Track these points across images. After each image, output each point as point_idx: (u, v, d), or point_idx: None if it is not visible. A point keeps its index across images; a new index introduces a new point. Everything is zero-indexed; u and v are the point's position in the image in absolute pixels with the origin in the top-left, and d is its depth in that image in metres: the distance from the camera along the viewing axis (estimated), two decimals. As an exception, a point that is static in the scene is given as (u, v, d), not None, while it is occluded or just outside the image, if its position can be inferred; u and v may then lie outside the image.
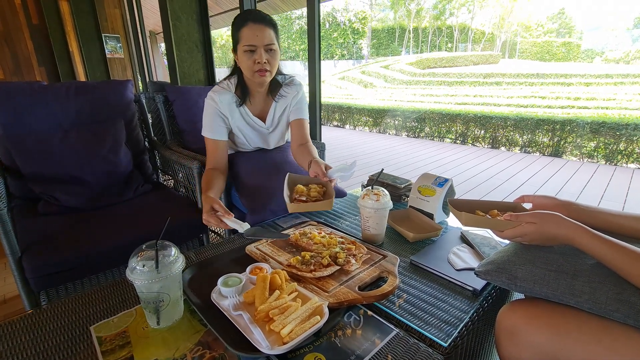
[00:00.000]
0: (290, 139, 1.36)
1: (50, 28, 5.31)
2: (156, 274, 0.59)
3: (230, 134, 1.25)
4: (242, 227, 0.87)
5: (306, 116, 1.31)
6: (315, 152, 1.23)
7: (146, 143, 1.66)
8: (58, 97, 1.38)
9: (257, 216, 1.10)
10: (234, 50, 1.12)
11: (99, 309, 0.69)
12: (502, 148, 6.11)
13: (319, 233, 0.93)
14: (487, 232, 1.01)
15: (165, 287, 0.61)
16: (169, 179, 1.82)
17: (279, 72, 1.24)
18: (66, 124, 1.37)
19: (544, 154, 5.64)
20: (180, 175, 1.55)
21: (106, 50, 5.81)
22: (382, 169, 1.01)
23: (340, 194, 1.26)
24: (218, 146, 1.18)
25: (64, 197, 1.24)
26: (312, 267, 0.76)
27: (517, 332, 0.63)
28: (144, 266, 0.60)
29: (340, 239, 0.89)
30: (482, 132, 6.33)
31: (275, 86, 1.24)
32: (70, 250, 1.01)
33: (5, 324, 0.64)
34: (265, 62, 1.07)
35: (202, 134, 1.18)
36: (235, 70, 1.19)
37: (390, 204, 0.94)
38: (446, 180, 1.10)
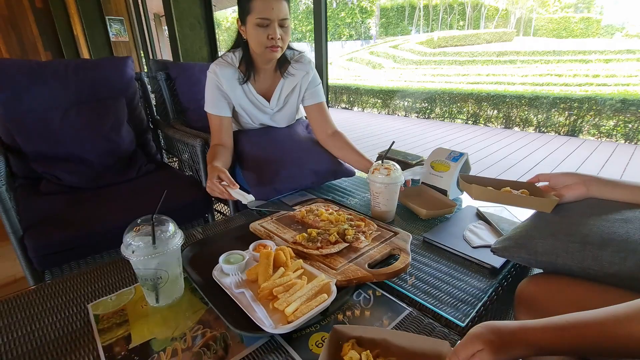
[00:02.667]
0: (313, 128, 1.25)
1: (55, 11, 5.24)
2: (153, 249, 0.56)
3: (234, 112, 1.19)
4: (246, 198, 0.84)
5: (324, 98, 1.23)
6: (354, 145, 1.18)
7: (149, 122, 1.62)
8: (57, 75, 1.34)
9: (262, 194, 1.06)
10: (242, 21, 1.02)
11: (97, 287, 0.66)
12: (516, 128, 5.92)
13: (327, 210, 0.88)
14: (504, 209, 0.95)
15: (163, 264, 0.58)
16: (174, 160, 1.79)
17: (288, 47, 1.14)
18: (66, 103, 1.33)
19: (559, 134, 5.45)
20: (185, 155, 1.51)
21: (110, 34, 5.73)
22: (393, 142, 0.95)
23: (348, 172, 1.20)
24: (222, 123, 1.12)
25: (66, 176, 1.21)
26: (318, 244, 0.72)
27: (538, 307, 0.59)
28: (140, 242, 0.56)
29: (348, 216, 0.85)
30: (495, 112, 6.13)
31: (284, 62, 1.15)
32: (73, 229, 0.99)
33: (3, 301, 0.62)
34: (279, 38, 0.99)
35: (204, 109, 1.13)
36: (240, 43, 1.09)
37: (402, 179, 0.88)
38: (461, 154, 1.04)
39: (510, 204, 0.76)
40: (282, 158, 1.13)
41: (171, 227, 0.60)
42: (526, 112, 5.78)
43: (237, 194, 0.85)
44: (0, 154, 1.15)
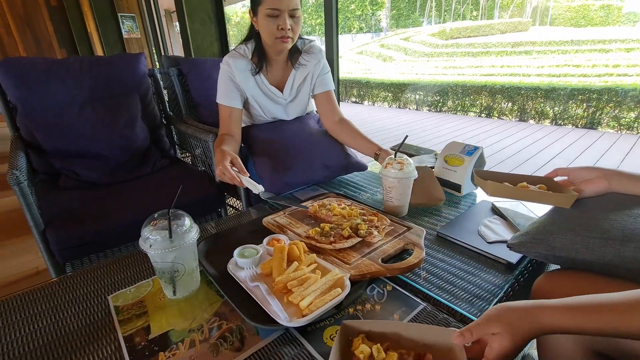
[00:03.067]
0: (321, 115, 1.26)
1: (69, 9, 5.33)
2: (169, 243, 0.57)
3: (247, 104, 1.20)
4: (257, 188, 0.84)
5: (333, 86, 1.24)
6: (362, 132, 1.19)
7: (162, 118, 1.64)
8: (72, 72, 1.36)
9: (274, 188, 1.06)
10: (253, 12, 1.04)
11: (116, 279, 0.68)
12: (531, 121, 5.77)
13: (339, 204, 0.88)
14: (520, 204, 0.93)
15: (180, 257, 0.59)
16: (187, 155, 1.81)
17: (299, 37, 1.15)
18: (81, 99, 1.36)
19: (577, 126, 5.29)
20: (198, 150, 1.53)
21: (123, 30, 5.80)
22: (406, 136, 0.94)
23: (360, 167, 1.20)
24: (232, 114, 1.12)
25: (83, 171, 1.24)
26: (331, 239, 0.72)
27: None
28: (157, 236, 0.57)
29: (361, 211, 0.84)
30: (510, 104, 5.99)
31: (295, 53, 1.16)
32: (91, 224, 1.02)
33: (28, 292, 0.65)
34: (289, 29, 1.00)
35: (216, 100, 1.13)
36: (253, 35, 1.11)
37: (415, 173, 0.87)
38: (476, 148, 1.02)
39: (528, 199, 0.74)
40: (294, 152, 1.14)
41: (187, 221, 0.61)
42: (542, 105, 5.63)
43: (248, 182, 0.85)
44: (21, 150, 1.18)
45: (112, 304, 0.61)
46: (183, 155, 1.80)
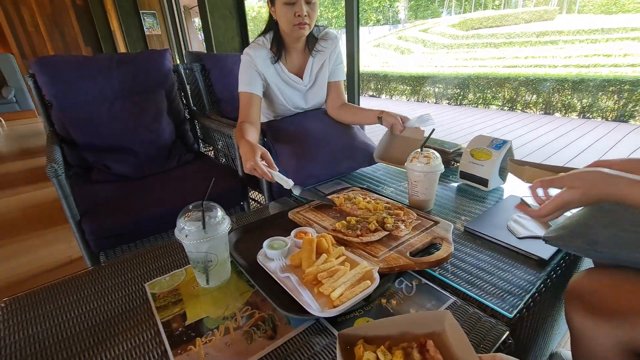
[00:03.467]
0: (327, 101, 1.32)
1: (93, 7, 5.48)
2: (204, 234, 0.59)
3: (268, 94, 1.21)
4: (288, 183, 0.85)
5: (344, 77, 1.31)
6: (362, 108, 1.24)
7: (186, 113, 1.68)
8: (101, 69, 1.41)
9: (297, 181, 1.07)
10: (271, 2, 1.07)
11: (151, 268, 0.71)
12: (557, 114, 5.55)
13: (364, 198, 0.88)
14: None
15: (213, 248, 0.61)
16: (210, 150, 1.85)
17: (315, 25, 1.17)
18: (111, 95, 1.41)
19: (606, 119, 5.05)
20: (220, 144, 1.56)
21: (144, 27, 5.93)
22: (433, 130, 0.93)
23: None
24: (252, 99, 1.12)
25: (114, 165, 1.29)
26: (358, 232, 0.73)
27: (597, 300, 0.56)
28: (192, 226, 0.59)
29: (386, 205, 0.84)
30: (534, 96, 5.77)
31: (311, 40, 1.19)
32: (123, 215, 1.06)
33: (71, 278, 0.68)
34: (305, 15, 1.03)
35: (238, 90, 1.14)
36: (271, 26, 1.14)
37: (442, 167, 0.86)
38: (504, 142, 0.99)
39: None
40: (317, 143, 1.15)
41: (219, 213, 0.63)
42: (569, 97, 5.40)
43: (279, 177, 0.85)
44: (56, 144, 1.24)
45: (149, 291, 0.64)
46: (206, 150, 1.84)
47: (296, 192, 0.88)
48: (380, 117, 1.15)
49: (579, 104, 5.32)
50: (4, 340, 0.54)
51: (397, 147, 1.12)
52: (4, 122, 4.99)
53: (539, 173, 0.67)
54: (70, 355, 0.51)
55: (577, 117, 5.34)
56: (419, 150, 0.89)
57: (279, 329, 0.54)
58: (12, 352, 0.52)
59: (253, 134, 1.04)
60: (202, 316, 0.57)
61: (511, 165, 0.72)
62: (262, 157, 0.87)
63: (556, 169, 0.73)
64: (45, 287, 0.66)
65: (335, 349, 0.45)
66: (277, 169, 0.88)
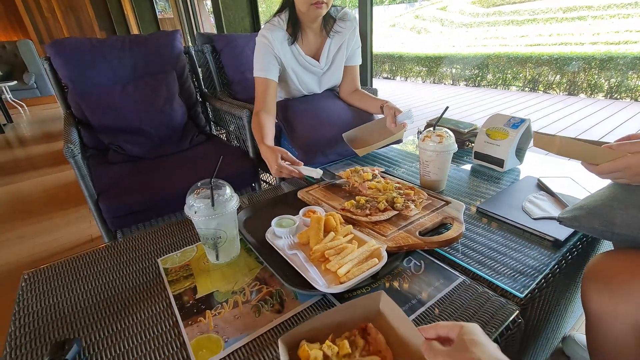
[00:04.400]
0: (341, 85, 1.29)
1: (106, -10, 5.49)
2: (212, 210, 0.59)
3: (283, 77, 1.19)
4: (318, 172, 0.86)
5: (360, 61, 1.27)
6: (372, 95, 1.23)
7: (198, 95, 1.68)
8: (114, 51, 1.42)
9: (309, 161, 1.07)
10: None
11: (163, 245, 0.73)
12: (582, 95, 5.28)
13: (372, 171, 0.87)
14: (572, 181, 0.86)
15: (222, 224, 0.61)
16: (222, 132, 1.86)
17: (332, 5, 1.12)
18: (123, 77, 1.42)
19: (636, 100, 4.77)
20: (232, 126, 1.56)
21: (157, 11, 5.91)
22: (447, 107, 0.89)
23: (396, 140, 1.17)
24: (269, 86, 1.10)
25: (129, 146, 1.32)
26: (367, 212, 0.72)
27: (616, 283, 0.54)
28: (201, 203, 0.60)
29: (397, 185, 0.83)
30: (558, 77, 5.50)
31: (329, 21, 1.15)
32: (138, 195, 1.09)
33: (89, 253, 0.71)
34: None
35: (253, 74, 1.13)
36: (286, 4, 1.09)
37: (455, 147, 0.84)
38: (522, 120, 0.95)
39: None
40: (329, 122, 1.14)
41: (228, 190, 0.63)
42: (596, 76, 5.11)
43: (306, 170, 0.87)
44: (73, 126, 1.27)
45: (162, 266, 0.66)
46: (218, 132, 1.85)
47: (325, 178, 0.90)
48: (382, 106, 1.12)
49: (606, 83, 5.03)
50: (27, 308, 0.57)
51: (370, 134, 1.10)
52: (26, 108, 5.15)
53: (573, 144, 0.60)
54: (88, 323, 0.54)
55: (603, 97, 5.06)
56: (431, 129, 0.86)
57: (286, 304, 0.55)
58: (35, 319, 0.55)
59: (270, 131, 1.02)
60: (212, 290, 0.59)
61: (538, 136, 0.66)
62: (284, 158, 0.87)
63: (590, 144, 0.66)
64: (65, 261, 0.69)
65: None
66: (303, 164, 0.88)
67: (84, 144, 1.39)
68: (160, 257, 0.69)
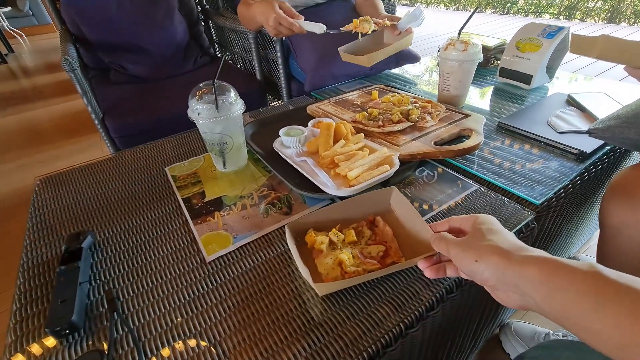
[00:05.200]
0: None
1: None
2: (216, 113, 0.56)
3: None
4: (320, 27, 0.76)
5: None
6: (381, 7, 1.08)
7: (200, 13, 1.55)
8: (105, -44, 1.27)
9: (318, 80, 1.00)
10: None
11: (171, 155, 0.72)
12: (623, 23, 4.74)
13: (388, 90, 0.81)
14: (606, 96, 0.79)
15: (227, 129, 0.59)
16: (227, 54, 1.75)
17: None
18: (118, -12, 1.30)
19: (684, 30, 4.27)
20: (237, 47, 1.46)
21: None
22: (476, 8, 0.79)
23: (413, 58, 1.08)
24: None
25: (130, 66, 1.26)
26: (380, 123, 0.68)
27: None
28: (204, 106, 0.57)
29: (412, 99, 0.77)
30: (599, 2, 4.89)
31: None
32: (143, 114, 1.06)
33: (98, 162, 0.71)
34: None
35: None
36: None
37: (481, 56, 0.76)
38: (560, 28, 0.85)
39: None
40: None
41: (232, 94, 0.59)
42: (644, 1, 4.53)
43: (308, 24, 0.76)
44: (70, 42, 1.20)
45: (170, 174, 0.65)
46: (223, 54, 1.74)
47: (324, 31, 0.77)
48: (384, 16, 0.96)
49: (654, 10, 4.47)
50: (42, 208, 0.58)
51: (372, 45, 0.95)
52: (25, 38, 4.94)
53: (618, 43, 0.52)
54: (101, 221, 0.55)
55: (647, 27, 4.54)
56: (455, 37, 0.77)
57: (294, 207, 0.54)
58: (50, 217, 0.56)
59: None
60: (220, 195, 0.58)
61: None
62: (281, 8, 0.76)
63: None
64: (75, 169, 0.69)
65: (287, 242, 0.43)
66: (303, 18, 0.77)
67: (85, 64, 1.32)
68: (168, 166, 0.68)
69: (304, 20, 0.77)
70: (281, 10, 0.75)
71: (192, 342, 0.37)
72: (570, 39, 0.66)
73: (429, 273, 0.37)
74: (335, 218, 0.45)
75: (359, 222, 0.45)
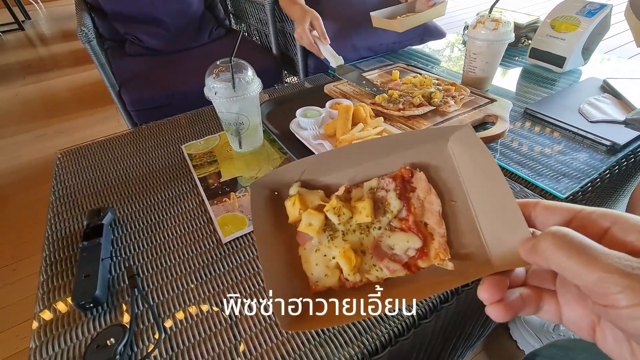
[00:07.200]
0: None
1: None
2: (233, 92, 0.55)
3: None
4: (336, 60, 0.78)
5: None
6: None
7: (215, -18, 1.49)
8: None
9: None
10: None
11: (187, 133, 0.71)
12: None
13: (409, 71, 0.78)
14: (645, 82, 0.74)
15: (244, 109, 0.58)
16: (242, 27, 1.70)
17: None
18: (132, -47, 1.25)
19: None
20: (253, 19, 1.41)
21: None
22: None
23: (438, 33, 1.02)
24: None
25: (145, 37, 1.23)
26: (400, 106, 0.66)
27: None
28: (221, 85, 0.55)
29: (435, 81, 0.74)
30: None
31: None
32: (160, 87, 1.06)
33: (115, 137, 0.71)
34: None
35: None
36: None
37: (512, 36, 0.71)
38: (602, 6, 0.78)
39: None
40: (362, 12, 0.99)
41: (250, 72, 0.58)
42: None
43: (327, 52, 0.78)
44: (85, 11, 1.18)
45: (186, 152, 0.65)
46: (238, 27, 1.69)
47: (340, 73, 0.80)
48: None
49: None
50: (62, 183, 0.60)
51: (403, 13, 0.95)
52: (41, 4, 4.90)
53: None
54: (119, 197, 0.56)
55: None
56: (485, 14, 0.72)
57: (310, 191, 0.54)
58: (71, 192, 0.58)
59: None
60: (236, 175, 0.58)
61: (630, 7, 0.51)
62: (313, 25, 0.78)
63: None
64: (94, 143, 0.70)
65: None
66: (329, 42, 0.78)
67: (100, 34, 1.31)
68: (184, 143, 0.68)
69: (329, 45, 0.79)
70: (308, 28, 0.77)
71: (210, 323, 0.38)
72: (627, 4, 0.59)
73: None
74: (340, 171, 0.26)
75: (382, 177, 0.26)
